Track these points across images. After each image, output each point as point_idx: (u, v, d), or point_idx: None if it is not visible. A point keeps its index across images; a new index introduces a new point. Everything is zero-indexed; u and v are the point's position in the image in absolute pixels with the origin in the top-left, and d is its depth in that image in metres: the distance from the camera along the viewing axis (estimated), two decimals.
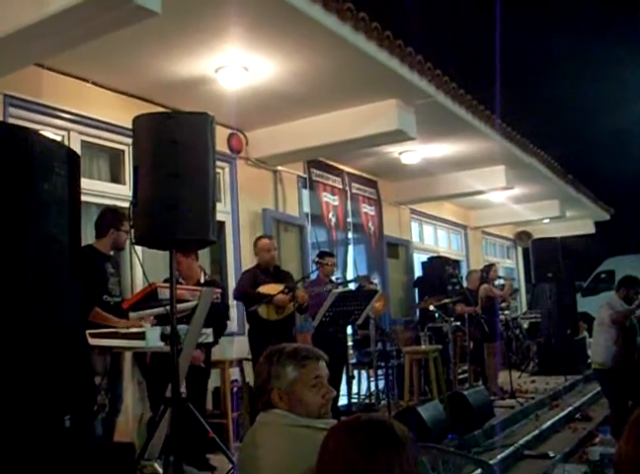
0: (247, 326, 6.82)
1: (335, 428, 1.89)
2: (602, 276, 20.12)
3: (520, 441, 7.07)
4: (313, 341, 6.97)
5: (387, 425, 1.81)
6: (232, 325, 7.88)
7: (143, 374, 6.05)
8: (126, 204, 4.79)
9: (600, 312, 7.50)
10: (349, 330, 7.96)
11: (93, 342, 4.57)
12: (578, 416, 8.89)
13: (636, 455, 1.62)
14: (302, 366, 2.43)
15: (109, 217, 5.30)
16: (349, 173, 10.66)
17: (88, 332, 4.54)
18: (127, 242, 5.01)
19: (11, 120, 5.67)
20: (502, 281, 10.62)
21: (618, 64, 22.53)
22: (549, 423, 8.19)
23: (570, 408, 9.07)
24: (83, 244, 4.46)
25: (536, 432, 7.63)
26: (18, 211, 2.86)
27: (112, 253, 5.38)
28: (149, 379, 5.80)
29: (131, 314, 5.08)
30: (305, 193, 9.60)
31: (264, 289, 6.43)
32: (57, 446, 2.98)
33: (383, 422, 1.83)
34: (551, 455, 6.85)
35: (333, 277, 7.63)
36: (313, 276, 7.50)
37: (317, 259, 7.52)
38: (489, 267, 10.27)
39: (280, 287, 6.37)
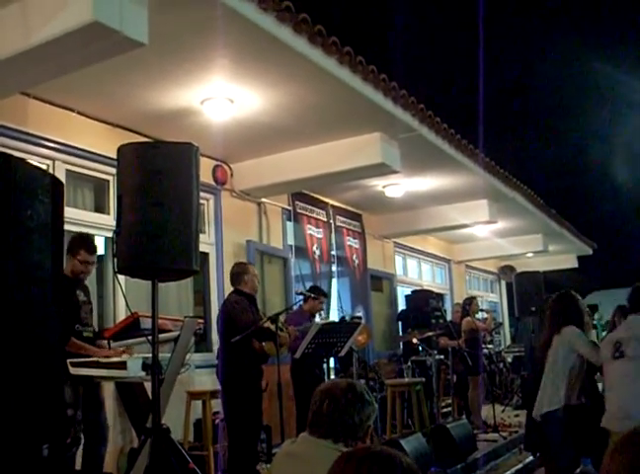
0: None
1: (343, 456, 1.82)
2: (586, 310, 20.11)
3: None
4: (292, 375, 6.88)
5: (396, 459, 1.74)
6: (213, 356, 7.83)
7: (125, 405, 6.00)
8: (110, 234, 4.78)
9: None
10: (331, 363, 7.90)
11: (74, 371, 4.54)
12: None
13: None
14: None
15: (71, 242, 5.11)
16: (333, 206, 10.69)
17: (69, 361, 4.50)
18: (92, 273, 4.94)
19: None
20: (484, 315, 10.63)
21: (606, 100, 22.86)
22: (532, 457, 8.12)
23: None
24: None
25: (520, 466, 7.60)
26: (0, 237, 2.85)
27: (81, 279, 5.22)
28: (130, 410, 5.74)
29: (113, 344, 5.05)
30: (289, 225, 9.61)
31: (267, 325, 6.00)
32: None
33: (393, 455, 1.76)
34: None
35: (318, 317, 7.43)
36: (296, 307, 7.43)
37: (310, 293, 7.23)
38: (470, 300, 10.27)
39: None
